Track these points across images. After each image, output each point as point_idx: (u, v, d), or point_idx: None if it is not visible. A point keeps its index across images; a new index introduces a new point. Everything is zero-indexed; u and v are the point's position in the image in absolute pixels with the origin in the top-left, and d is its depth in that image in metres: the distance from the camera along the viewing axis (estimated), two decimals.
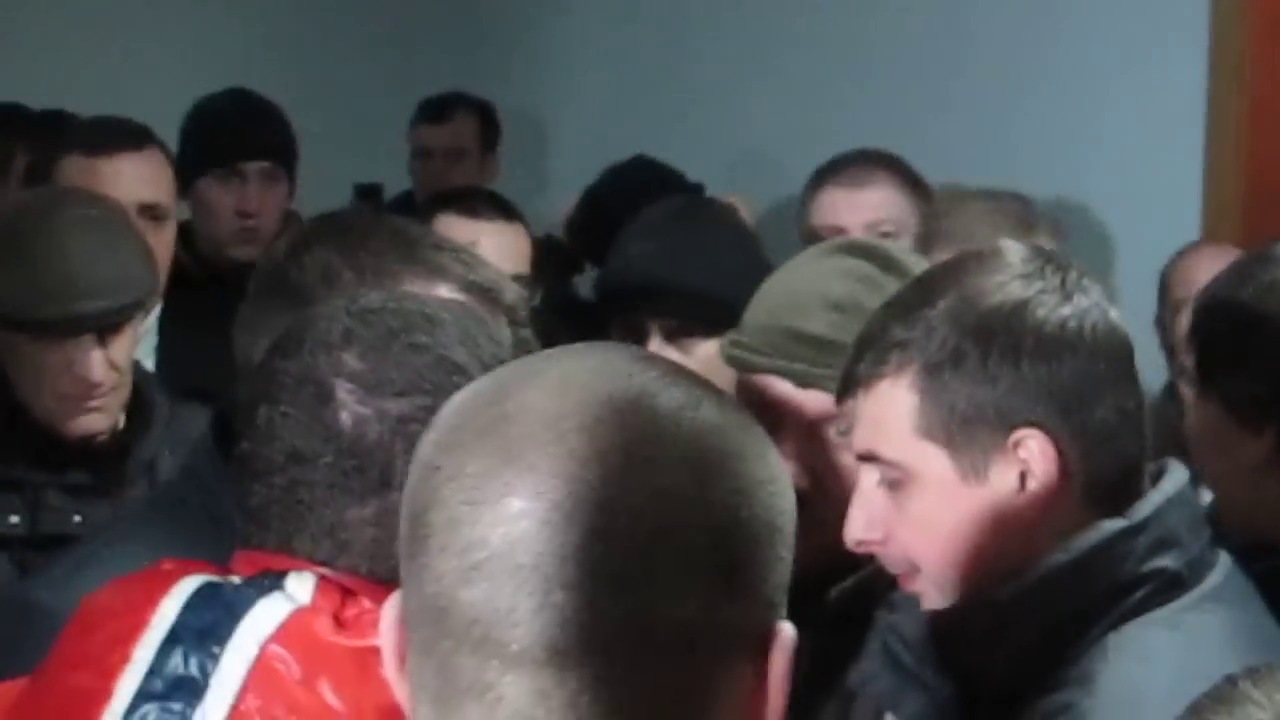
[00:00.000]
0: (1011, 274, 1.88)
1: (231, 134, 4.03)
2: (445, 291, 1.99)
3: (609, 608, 1.09)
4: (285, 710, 1.54)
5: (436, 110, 5.36)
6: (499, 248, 3.33)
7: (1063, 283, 1.87)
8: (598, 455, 1.09)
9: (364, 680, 1.53)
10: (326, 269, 1.94)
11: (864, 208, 3.71)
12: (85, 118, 3.69)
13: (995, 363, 1.84)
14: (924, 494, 1.87)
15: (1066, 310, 1.86)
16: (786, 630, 1.16)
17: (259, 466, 1.66)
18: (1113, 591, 1.83)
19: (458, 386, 1.26)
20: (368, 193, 5.26)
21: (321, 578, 1.61)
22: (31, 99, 4.43)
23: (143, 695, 1.56)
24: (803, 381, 2.26)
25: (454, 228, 3.33)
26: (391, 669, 1.18)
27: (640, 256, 2.99)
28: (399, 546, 1.15)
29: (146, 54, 5.36)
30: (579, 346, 1.20)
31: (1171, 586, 1.85)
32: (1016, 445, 1.84)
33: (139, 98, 4.10)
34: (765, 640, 1.15)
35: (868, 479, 1.91)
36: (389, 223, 2.06)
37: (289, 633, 1.57)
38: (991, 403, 1.84)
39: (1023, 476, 1.85)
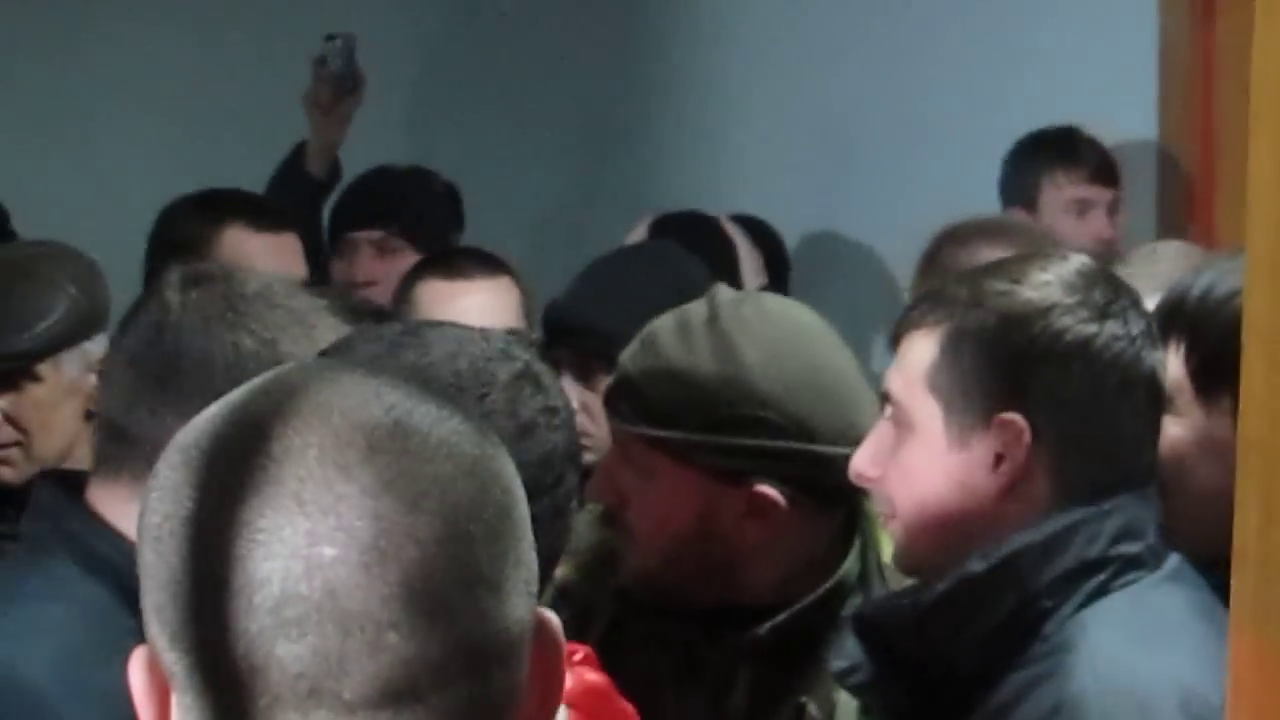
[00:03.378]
0: (1061, 279, 1.97)
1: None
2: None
3: (444, 640, 1.06)
4: None
5: None
6: (483, 305, 3.27)
7: (1106, 304, 1.96)
8: (386, 487, 1.07)
9: None
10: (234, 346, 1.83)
11: None
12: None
13: (1009, 350, 1.94)
14: (916, 445, 1.98)
15: (1092, 329, 1.94)
16: (548, 617, 1.14)
17: None
18: (1080, 570, 1.92)
19: None
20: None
21: None
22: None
23: None
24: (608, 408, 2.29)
25: (436, 291, 3.30)
26: None
27: (565, 296, 3.14)
28: (161, 613, 1.09)
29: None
30: (304, 366, 1.17)
31: (1135, 568, 1.94)
32: (1000, 426, 1.94)
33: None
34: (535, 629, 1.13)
35: (884, 418, 2.02)
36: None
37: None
38: (993, 382, 1.94)
39: (998, 458, 1.94)
